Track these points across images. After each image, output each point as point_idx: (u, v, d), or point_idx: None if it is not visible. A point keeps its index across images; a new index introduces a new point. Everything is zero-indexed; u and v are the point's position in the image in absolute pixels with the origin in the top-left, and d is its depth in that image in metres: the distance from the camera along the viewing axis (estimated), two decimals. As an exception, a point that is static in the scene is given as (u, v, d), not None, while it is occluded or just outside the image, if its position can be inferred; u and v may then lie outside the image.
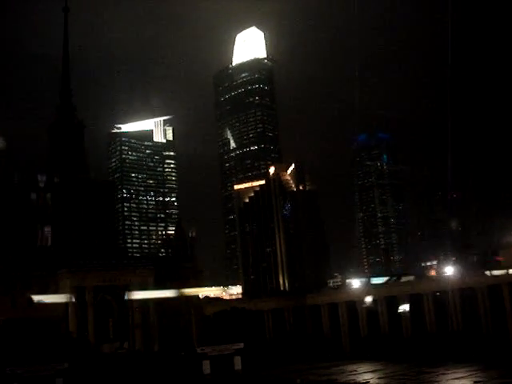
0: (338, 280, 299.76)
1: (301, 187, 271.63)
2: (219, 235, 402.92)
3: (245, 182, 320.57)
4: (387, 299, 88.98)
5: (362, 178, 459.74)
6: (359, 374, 67.30)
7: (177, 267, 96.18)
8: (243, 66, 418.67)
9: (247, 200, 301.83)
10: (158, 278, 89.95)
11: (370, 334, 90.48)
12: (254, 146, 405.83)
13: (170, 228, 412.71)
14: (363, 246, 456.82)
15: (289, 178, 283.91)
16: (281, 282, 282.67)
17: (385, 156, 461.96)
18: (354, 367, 74.10)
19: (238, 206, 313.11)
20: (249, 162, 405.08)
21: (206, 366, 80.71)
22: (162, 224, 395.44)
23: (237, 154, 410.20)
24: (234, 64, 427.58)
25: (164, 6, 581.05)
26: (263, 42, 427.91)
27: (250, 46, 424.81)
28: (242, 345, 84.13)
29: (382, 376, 61.93)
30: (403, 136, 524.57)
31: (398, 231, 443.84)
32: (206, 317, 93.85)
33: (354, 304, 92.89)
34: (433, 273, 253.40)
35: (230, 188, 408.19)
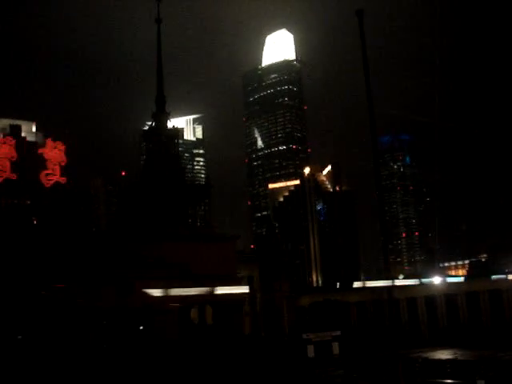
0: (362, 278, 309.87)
1: (337, 188, 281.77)
2: (244, 232, 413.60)
3: (279, 182, 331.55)
4: (467, 294, 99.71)
5: (385, 179, 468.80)
6: (462, 355, 77.03)
7: (273, 262, 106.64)
8: (272, 67, 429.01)
9: (281, 199, 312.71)
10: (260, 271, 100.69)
11: (450, 324, 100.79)
12: (282, 146, 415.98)
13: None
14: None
15: (324, 178, 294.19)
16: (314, 278, 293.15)
17: (407, 158, 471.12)
18: (451, 351, 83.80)
19: (272, 204, 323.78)
20: (277, 161, 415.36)
21: (311, 350, 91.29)
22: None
23: (265, 154, 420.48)
24: (263, 65, 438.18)
25: (195, 5, 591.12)
26: (293, 44, 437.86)
27: (279, 47, 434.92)
28: (339, 332, 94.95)
29: (492, 357, 71.34)
30: (427, 138, 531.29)
31: (419, 232, 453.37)
32: (301, 307, 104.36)
33: (432, 298, 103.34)
34: (464, 272, 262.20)
35: (257, 186, 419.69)
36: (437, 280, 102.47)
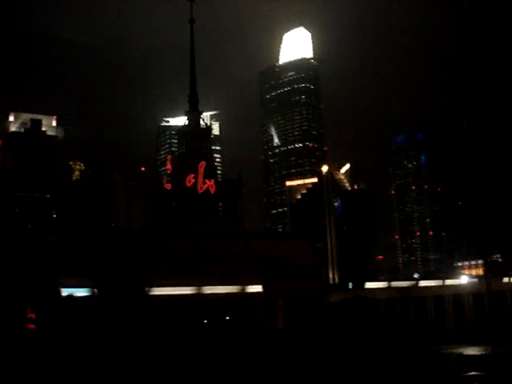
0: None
1: (355, 186, 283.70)
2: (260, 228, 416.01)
3: (297, 179, 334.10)
4: (494, 293, 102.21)
5: (400, 177, 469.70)
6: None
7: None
8: (290, 65, 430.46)
9: (299, 196, 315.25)
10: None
11: (476, 322, 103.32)
12: (298, 143, 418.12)
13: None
14: (398, 244, 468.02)
15: (342, 177, 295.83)
16: (330, 276, 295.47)
17: (423, 157, 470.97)
18: (481, 348, 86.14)
19: (289, 201, 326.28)
20: (293, 159, 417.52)
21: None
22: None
23: (281, 151, 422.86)
24: (280, 62, 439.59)
25: (212, 3, 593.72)
26: (310, 42, 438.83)
27: (297, 45, 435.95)
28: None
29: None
30: (443, 137, 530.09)
31: (433, 231, 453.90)
32: (331, 303, 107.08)
33: (460, 297, 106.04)
34: (479, 272, 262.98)
35: (273, 184, 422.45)
36: (464, 279, 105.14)
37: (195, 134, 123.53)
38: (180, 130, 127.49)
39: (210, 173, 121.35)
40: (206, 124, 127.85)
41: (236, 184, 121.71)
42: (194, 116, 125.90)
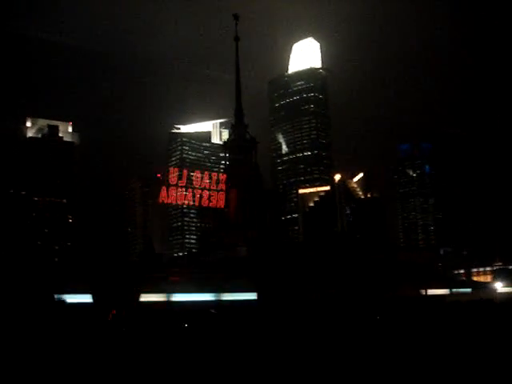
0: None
1: (368, 195, 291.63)
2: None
3: (309, 187, 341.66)
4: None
5: (404, 186, 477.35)
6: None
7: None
8: (299, 75, 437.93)
9: (312, 204, 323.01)
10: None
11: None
12: (307, 151, 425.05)
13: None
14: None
15: (355, 185, 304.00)
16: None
17: (427, 166, 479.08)
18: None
19: (302, 209, 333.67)
20: (301, 167, 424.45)
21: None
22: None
23: (289, 159, 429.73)
24: (289, 72, 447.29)
25: (226, 8, 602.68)
26: (319, 52, 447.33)
27: (306, 55, 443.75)
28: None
29: None
30: (447, 147, 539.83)
31: (436, 239, 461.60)
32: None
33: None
34: (489, 278, 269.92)
35: (281, 191, 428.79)
36: (498, 286, 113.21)
37: (241, 147, 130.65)
38: (225, 142, 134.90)
39: (256, 182, 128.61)
40: (251, 136, 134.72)
41: (278, 194, 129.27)
42: (240, 129, 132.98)
